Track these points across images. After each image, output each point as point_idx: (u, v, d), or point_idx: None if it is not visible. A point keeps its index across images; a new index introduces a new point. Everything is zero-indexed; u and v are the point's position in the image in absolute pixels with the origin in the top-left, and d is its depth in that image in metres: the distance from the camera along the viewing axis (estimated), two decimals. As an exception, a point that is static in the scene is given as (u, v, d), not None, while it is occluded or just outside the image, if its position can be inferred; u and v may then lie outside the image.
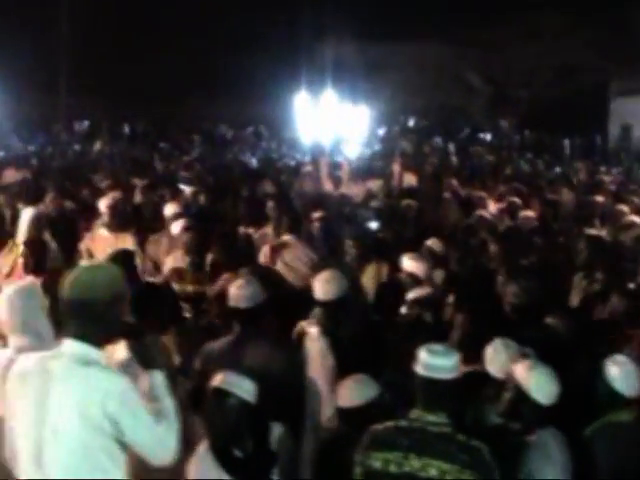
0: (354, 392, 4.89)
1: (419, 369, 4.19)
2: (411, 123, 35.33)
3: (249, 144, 29.50)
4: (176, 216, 9.47)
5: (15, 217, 10.38)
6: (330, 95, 28.24)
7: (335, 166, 18.39)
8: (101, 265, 3.93)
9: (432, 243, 8.92)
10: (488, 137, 34.38)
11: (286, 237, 8.77)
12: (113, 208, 9.33)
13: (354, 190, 15.45)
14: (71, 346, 3.58)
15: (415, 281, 7.11)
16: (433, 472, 4.08)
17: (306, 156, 22.99)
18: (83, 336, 3.58)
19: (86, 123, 29.01)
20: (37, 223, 9.15)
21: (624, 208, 11.75)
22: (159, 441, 3.60)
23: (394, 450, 4.15)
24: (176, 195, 12.10)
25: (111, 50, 33.98)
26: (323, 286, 5.74)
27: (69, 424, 3.45)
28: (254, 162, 21.68)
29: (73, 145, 27.53)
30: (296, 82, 33.90)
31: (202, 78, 34.47)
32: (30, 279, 5.37)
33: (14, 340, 4.79)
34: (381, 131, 34.36)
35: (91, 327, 3.59)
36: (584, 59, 37.61)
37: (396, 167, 17.05)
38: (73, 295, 3.60)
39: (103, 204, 9.45)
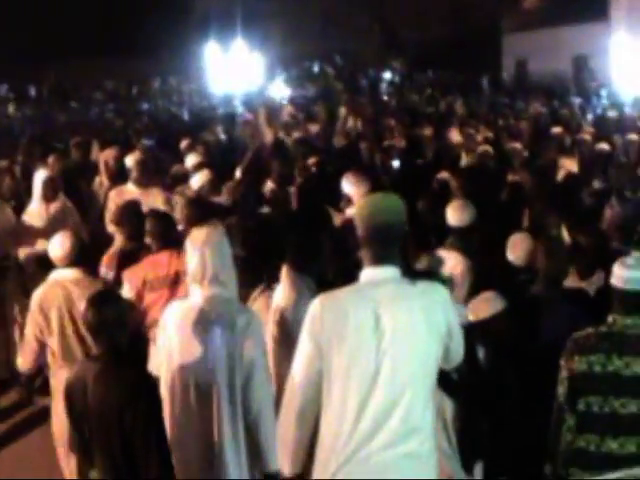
0: (487, 304, 5.28)
1: (615, 281, 4.58)
2: (316, 68, 35.36)
3: (155, 98, 29.09)
4: (199, 166, 9.60)
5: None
6: (241, 44, 28.33)
7: (274, 113, 18.48)
8: (389, 193, 4.03)
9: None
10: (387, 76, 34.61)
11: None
12: (141, 164, 9.37)
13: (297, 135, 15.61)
14: (385, 272, 3.70)
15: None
16: (637, 369, 4.49)
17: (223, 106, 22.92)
18: (388, 259, 3.72)
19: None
20: (51, 184, 9.17)
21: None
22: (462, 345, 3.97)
23: (596, 352, 4.54)
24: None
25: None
26: (456, 214, 6.13)
27: (415, 337, 3.64)
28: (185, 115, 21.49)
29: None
30: (186, 34, 33.59)
31: (104, 37, 33.58)
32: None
33: (203, 290, 4.72)
34: (282, 76, 34.33)
35: (392, 250, 3.74)
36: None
37: (343, 110, 17.30)
38: (381, 220, 3.69)
39: (130, 160, 9.47)
